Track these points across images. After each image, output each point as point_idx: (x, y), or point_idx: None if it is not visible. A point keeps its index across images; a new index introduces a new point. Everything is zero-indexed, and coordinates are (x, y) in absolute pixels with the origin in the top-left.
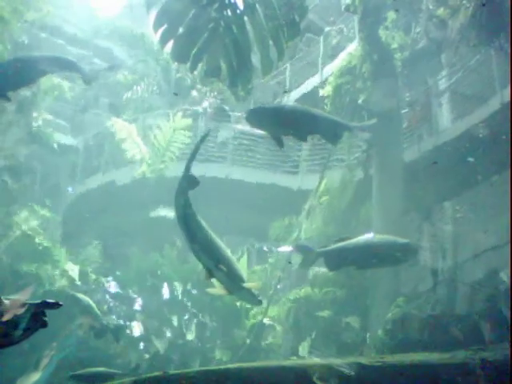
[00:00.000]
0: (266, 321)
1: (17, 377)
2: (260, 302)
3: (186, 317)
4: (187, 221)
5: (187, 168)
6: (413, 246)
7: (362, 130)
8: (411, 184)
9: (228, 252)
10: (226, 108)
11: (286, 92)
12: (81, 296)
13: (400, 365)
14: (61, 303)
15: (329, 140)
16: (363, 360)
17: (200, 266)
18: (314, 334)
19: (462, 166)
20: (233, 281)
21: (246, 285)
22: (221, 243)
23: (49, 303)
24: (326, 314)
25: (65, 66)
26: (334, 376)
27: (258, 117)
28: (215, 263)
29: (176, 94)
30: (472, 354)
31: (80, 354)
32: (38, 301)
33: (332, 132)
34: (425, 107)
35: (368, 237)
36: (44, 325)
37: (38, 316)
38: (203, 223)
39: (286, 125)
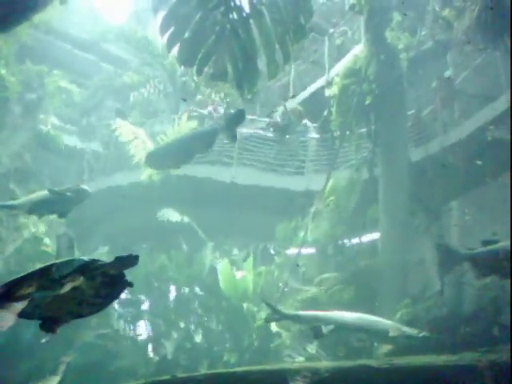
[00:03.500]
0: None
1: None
2: (424, 336)
3: (193, 319)
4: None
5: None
6: None
7: (229, 127)
8: (418, 184)
9: (344, 314)
10: (232, 111)
11: (293, 97)
12: None
13: (408, 367)
14: (135, 255)
15: (204, 150)
16: (372, 362)
17: (206, 269)
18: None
19: (470, 166)
20: (379, 334)
21: (392, 334)
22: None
23: (123, 258)
24: None
25: None
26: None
27: (154, 160)
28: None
29: (185, 100)
30: (480, 355)
31: (86, 357)
32: (110, 260)
33: (206, 142)
34: (448, 94)
35: None
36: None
37: (118, 278)
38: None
39: (175, 157)
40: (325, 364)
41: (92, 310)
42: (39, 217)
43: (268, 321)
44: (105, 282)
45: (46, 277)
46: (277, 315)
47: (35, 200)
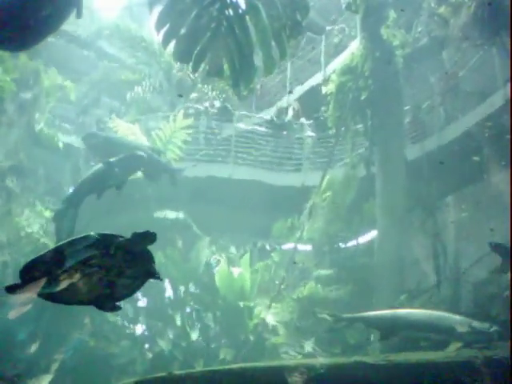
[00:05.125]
0: (269, 321)
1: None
2: (496, 333)
3: (189, 316)
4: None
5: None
6: None
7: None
8: (415, 181)
9: (411, 312)
10: (229, 107)
11: (290, 93)
12: None
13: (405, 363)
14: (152, 232)
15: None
16: (368, 359)
17: (202, 266)
18: (318, 334)
19: (466, 164)
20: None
21: (460, 329)
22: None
23: (141, 234)
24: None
25: None
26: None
27: (91, 141)
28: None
29: (181, 96)
30: (476, 352)
31: (82, 355)
32: (127, 237)
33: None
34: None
35: None
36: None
37: (142, 256)
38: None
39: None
40: (321, 360)
41: (124, 292)
42: (99, 196)
43: (333, 329)
44: (127, 260)
45: (62, 255)
46: (342, 321)
47: (92, 178)
